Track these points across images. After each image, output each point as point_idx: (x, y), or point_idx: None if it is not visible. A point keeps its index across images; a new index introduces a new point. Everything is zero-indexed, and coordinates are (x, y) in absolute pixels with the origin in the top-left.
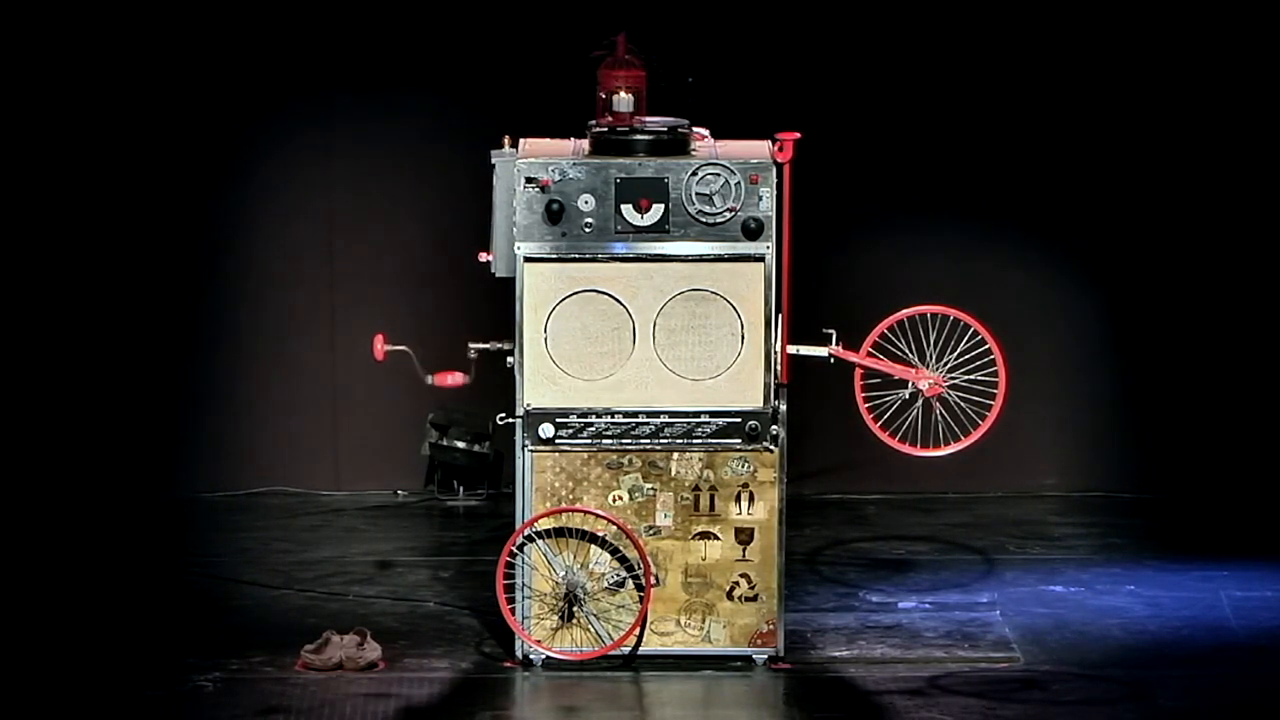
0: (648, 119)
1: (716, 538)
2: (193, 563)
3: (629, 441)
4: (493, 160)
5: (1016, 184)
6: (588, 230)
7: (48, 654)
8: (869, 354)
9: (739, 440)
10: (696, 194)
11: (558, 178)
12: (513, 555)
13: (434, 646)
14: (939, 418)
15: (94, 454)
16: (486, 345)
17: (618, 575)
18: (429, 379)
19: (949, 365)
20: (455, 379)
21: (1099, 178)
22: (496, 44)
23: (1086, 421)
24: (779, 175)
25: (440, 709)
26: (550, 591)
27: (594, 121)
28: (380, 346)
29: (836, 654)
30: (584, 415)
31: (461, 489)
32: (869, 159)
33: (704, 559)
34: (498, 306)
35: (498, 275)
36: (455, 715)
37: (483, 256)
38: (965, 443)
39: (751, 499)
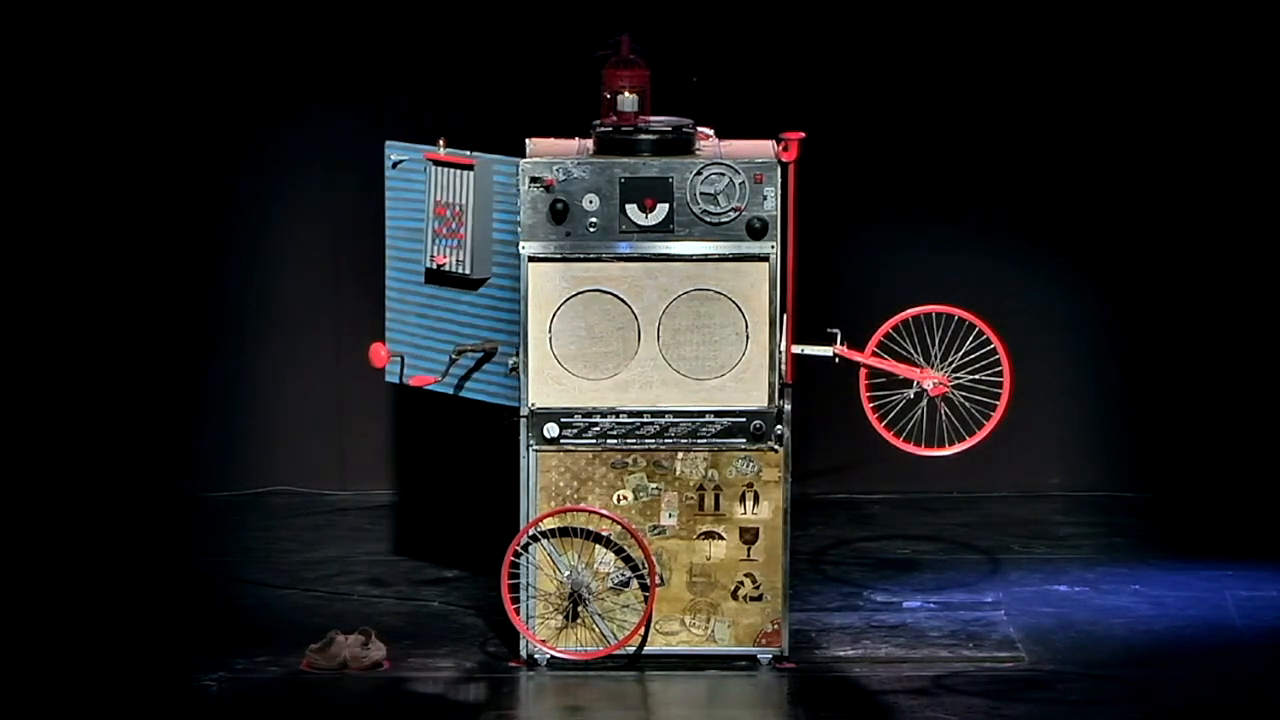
0: (652, 118)
1: (721, 537)
2: (197, 562)
3: (634, 441)
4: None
5: (1022, 184)
6: (592, 230)
7: (52, 653)
8: (874, 354)
9: (744, 440)
10: (701, 193)
11: (562, 177)
12: (517, 555)
13: (439, 646)
14: (944, 417)
15: (99, 453)
16: (470, 347)
17: (622, 575)
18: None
19: (954, 365)
20: (425, 380)
21: (1103, 178)
22: (501, 44)
23: (1091, 421)
24: (783, 175)
25: (445, 708)
26: (555, 591)
27: (598, 121)
28: (381, 353)
29: (841, 653)
30: (588, 415)
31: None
32: (874, 158)
33: (709, 558)
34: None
35: (473, 276)
36: (460, 715)
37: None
38: (970, 442)
39: (756, 498)
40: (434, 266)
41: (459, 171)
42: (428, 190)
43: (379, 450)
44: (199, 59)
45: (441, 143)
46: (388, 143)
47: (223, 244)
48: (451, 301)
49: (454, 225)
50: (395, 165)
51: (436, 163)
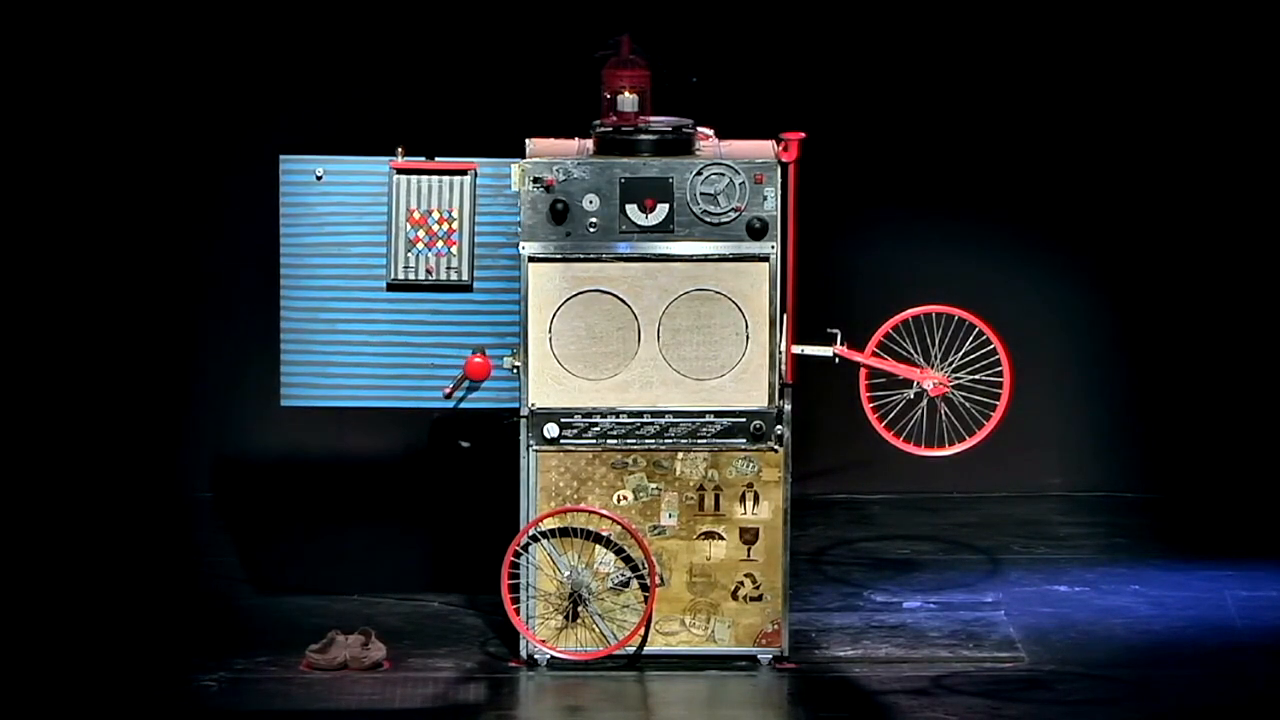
0: (652, 119)
1: (721, 537)
2: (197, 562)
3: (634, 441)
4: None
5: (1022, 184)
6: (592, 230)
7: (52, 654)
8: (874, 354)
9: (744, 440)
10: (701, 194)
11: (562, 177)
12: (518, 555)
13: (438, 646)
14: (944, 417)
15: (98, 454)
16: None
17: (622, 575)
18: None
19: (954, 365)
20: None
21: (1103, 178)
22: (501, 44)
23: (1091, 421)
24: (784, 175)
25: (445, 709)
26: (555, 591)
27: (598, 121)
28: (477, 361)
29: (841, 654)
30: (589, 415)
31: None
32: (874, 158)
33: (709, 559)
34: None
35: (465, 282)
36: (460, 715)
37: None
38: (970, 442)
39: (756, 499)
40: (423, 277)
41: (450, 177)
42: (392, 199)
43: (379, 449)
44: (191, 58)
45: (400, 151)
46: (283, 157)
47: (220, 244)
48: (428, 311)
49: (442, 231)
50: (319, 178)
51: (404, 171)
